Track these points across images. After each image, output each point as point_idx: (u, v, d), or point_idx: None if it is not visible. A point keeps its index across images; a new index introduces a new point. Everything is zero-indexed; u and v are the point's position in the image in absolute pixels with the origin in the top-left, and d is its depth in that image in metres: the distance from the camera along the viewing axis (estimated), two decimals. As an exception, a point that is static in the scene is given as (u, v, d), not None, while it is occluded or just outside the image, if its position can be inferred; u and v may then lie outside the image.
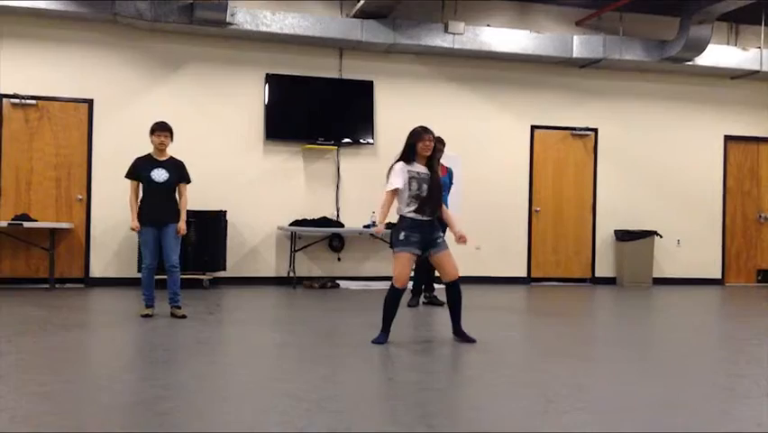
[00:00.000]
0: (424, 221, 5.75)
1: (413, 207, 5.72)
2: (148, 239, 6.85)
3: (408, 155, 5.85)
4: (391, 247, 5.84)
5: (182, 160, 7.08)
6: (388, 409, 4.05)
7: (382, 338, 5.78)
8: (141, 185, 6.92)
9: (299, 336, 6.28)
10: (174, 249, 6.89)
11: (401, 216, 5.79)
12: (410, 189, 5.74)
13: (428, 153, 5.86)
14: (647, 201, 11.60)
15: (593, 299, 10.00)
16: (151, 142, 6.96)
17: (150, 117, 9.64)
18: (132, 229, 6.90)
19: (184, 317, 6.91)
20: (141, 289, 7.06)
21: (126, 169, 7.01)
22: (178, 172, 6.96)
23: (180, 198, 6.97)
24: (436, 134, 8.14)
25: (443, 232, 6.23)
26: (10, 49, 9.39)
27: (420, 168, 5.84)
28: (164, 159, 6.95)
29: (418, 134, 5.87)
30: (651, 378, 4.85)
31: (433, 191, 5.79)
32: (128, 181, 6.97)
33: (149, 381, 4.57)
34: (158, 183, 6.83)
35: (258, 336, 6.33)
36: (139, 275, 9.23)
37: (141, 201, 6.89)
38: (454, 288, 5.93)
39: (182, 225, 6.91)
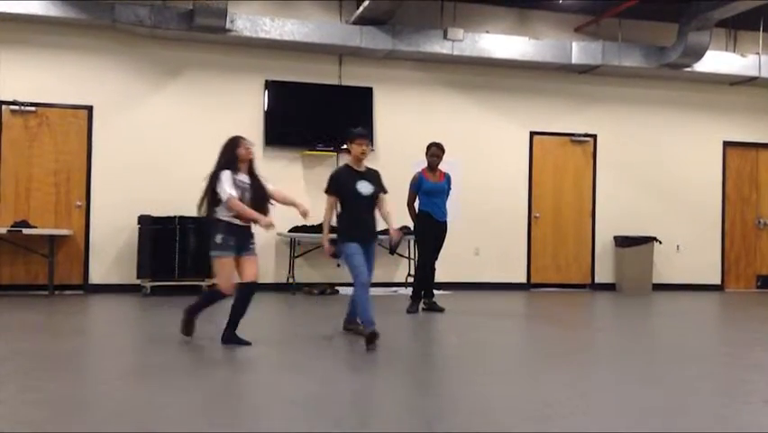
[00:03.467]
0: (242, 226, 5.82)
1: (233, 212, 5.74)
2: (358, 253, 6.02)
3: (229, 164, 5.83)
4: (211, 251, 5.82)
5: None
6: (389, 414, 4.05)
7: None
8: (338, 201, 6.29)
9: (299, 342, 6.26)
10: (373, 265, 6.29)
11: (219, 219, 5.76)
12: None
13: (251, 157, 5.99)
14: (646, 207, 11.60)
15: (593, 305, 10.00)
16: (350, 150, 6.24)
17: (150, 124, 9.76)
18: (332, 255, 6.21)
19: (370, 335, 5.84)
20: (356, 308, 6.18)
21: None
22: (379, 182, 6.31)
23: (384, 207, 6.37)
24: (435, 140, 8.24)
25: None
26: (9, 55, 9.39)
27: (243, 176, 5.87)
28: (363, 169, 6.27)
29: (235, 143, 5.95)
30: (651, 383, 4.84)
31: (259, 197, 5.87)
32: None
33: (148, 388, 4.56)
34: (364, 196, 6.15)
35: (257, 343, 6.31)
36: (138, 282, 9.33)
37: (341, 216, 6.23)
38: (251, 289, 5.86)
39: (396, 231, 6.41)
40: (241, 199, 5.74)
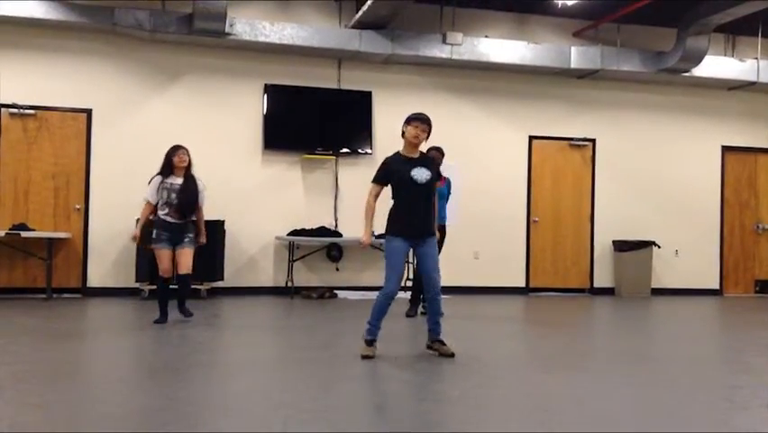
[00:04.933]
0: (173, 223, 7.00)
1: (165, 211, 6.97)
2: (398, 253, 5.64)
3: (163, 169, 7.03)
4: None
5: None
6: (387, 419, 4.04)
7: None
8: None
9: (298, 347, 6.26)
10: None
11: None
12: (162, 197, 6.97)
13: (184, 165, 7.06)
14: (645, 211, 11.61)
15: (592, 309, 10.00)
16: (404, 137, 5.69)
17: (149, 127, 9.77)
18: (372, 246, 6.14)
19: (452, 355, 5.58)
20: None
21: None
22: (435, 169, 5.76)
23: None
24: (435, 144, 8.24)
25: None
26: (9, 58, 9.41)
27: (175, 180, 7.00)
28: (418, 155, 5.73)
29: (173, 151, 7.06)
30: (649, 389, 4.83)
31: (184, 198, 6.97)
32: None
33: (146, 391, 4.55)
34: (420, 184, 5.57)
35: (256, 347, 6.31)
36: (136, 285, 9.34)
37: (392, 208, 5.74)
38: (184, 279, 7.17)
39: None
40: (168, 199, 6.92)
